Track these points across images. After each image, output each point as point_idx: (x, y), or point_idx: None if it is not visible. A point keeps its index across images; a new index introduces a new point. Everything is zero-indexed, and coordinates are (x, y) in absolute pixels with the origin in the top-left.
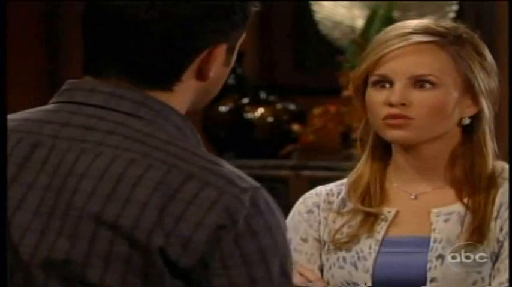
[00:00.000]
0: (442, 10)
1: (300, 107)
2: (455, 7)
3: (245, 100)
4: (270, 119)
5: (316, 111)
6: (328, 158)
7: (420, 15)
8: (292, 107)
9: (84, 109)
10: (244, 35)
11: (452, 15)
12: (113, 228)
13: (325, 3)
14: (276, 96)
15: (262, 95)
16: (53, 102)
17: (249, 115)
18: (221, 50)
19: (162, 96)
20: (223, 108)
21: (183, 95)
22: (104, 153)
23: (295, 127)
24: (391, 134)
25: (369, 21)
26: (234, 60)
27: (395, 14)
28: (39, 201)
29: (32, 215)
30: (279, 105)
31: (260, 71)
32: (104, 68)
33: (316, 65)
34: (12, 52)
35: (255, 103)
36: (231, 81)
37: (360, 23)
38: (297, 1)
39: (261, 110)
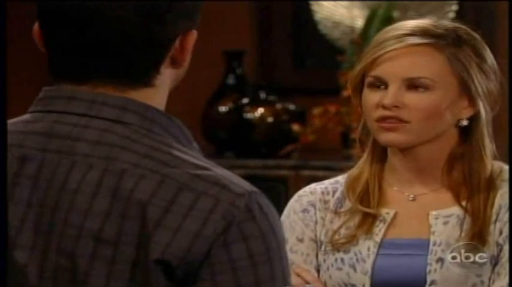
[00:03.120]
0: (442, 10)
1: (300, 107)
2: (455, 7)
3: (245, 100)
4: (270, 119)
5: (316, 111)
6: (328, 158)
7: (420, 15)
8: (292, 107)
9: (67, 118)
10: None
11: (451, 15)
12: (113, 246)
13: (325, 3)
14: (275, 96)
15: (262, 95)
16: (30, 112)
17: (248, 115)
18: (193, 36)
19: (145, 93)
20: (222, 108)
21: (164, 88)
22: (95, 165)
23: (295, 127)
24: (385, 137)
25: (369, 21)
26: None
27: (395, 14)
28: (37, 219)
29: (33, 234)
30: (278, 105)
31: (260, 71)
32: (82, 72)
33: (316, 65)
34: (12, 52)
35: (255, 103)
36: (231, 81)
37: (359, 23)
38: (297, 1)
39: (260, 110)
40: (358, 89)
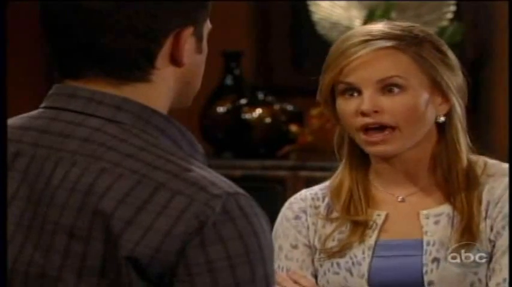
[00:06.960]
0: (440, 10)
1: (298, 108)
2: (452, 7)
3: (243, 101)
4: (268, 120)
5: (314, 112)
6: (325, 159)
7: (417, 16)
8: (290, 107)
9: (64, 115)
10: (209, 26)
11: (449, 15)
12: (84, 241)
13: (323, 3)
14: (273, 97)
15: (260, 95)
16: (39, 107)
17: (246, 116)
18: (187, 33)
19: (142, 89)
20: (221, 109)
21: (163, 86)
22: (78, 163)
23: (293, 128)
24: (374, 149)
25: (367, 22)
26: (206, 49)
27: (393, 14)
28: (21, 213)
29: (14, 227)
30: (276, 106)
31: (258, 72)
32: (80, 69)
33: (314, 66)
34: (12, 52)
35: (253, 104)
36: (229, 82)
37: (357, 23)
38: (295, 2)
39: (258, 111)
40: (329, 100)
